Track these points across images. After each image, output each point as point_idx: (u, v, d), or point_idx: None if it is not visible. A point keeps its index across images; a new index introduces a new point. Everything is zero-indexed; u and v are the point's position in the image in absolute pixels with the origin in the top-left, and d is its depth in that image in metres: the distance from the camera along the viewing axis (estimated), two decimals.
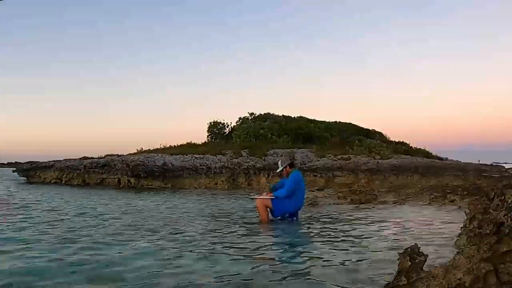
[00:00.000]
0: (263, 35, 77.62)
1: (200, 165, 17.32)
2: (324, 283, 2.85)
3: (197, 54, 73.50)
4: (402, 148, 23.60)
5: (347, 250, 3.96)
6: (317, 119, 26.26)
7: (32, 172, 18.91)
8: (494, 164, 24.32)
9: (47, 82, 67.80)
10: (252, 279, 2.97)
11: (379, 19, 77.14)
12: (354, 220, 6.24)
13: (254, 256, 3.78)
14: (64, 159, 19.05)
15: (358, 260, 3.49)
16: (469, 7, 70.07)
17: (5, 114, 57.79)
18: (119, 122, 64.84)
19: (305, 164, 17.71)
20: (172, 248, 4.12)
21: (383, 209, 7.48)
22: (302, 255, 3.98)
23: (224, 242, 4.45)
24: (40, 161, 20.00)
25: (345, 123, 26.90)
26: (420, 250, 1.94)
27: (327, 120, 26.55)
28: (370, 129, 27.37)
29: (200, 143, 23.05)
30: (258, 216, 6.32)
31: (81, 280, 2.96)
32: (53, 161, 18.98)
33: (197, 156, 18.28)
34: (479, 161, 23.37)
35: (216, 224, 5.99)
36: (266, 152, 19.02)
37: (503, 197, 1.92)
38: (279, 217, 6.31)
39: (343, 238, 4.66)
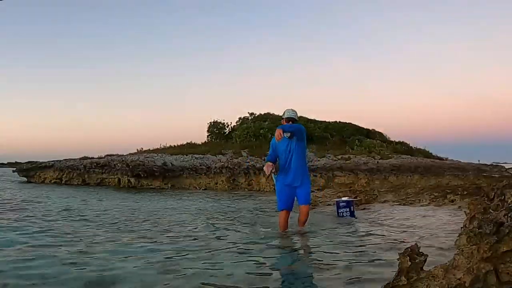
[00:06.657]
0: (263, 35, 77.73)
1: (200, 165, 17.33)
2: (324, 283, 2.85)
3: (197, 54, 73.62)
4: (402, 148, 23.61)
5: (347, 250, 3.96)
6: (317, 119, 26.27)
7: (32, 172, 18.92)
8: (494, 164, 24.33)
9: (47, 81, 67.80)
10: (252, 279, 2.97)
11: (379, 18, 77.20)
12: (354, 220, 6.24)
13: (254, 257, 3.78)
14: (64, 159, 19.07)
15: (357, 260, 3.48)
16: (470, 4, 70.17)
17: (5, 114, 57.81)
18: (119, 122, 64.85)
19: None
20: (173, 248, 4.12)
21: (383, 209, 7.47)
22: (301, 255, 3.98)
23: (225, 242, 4.45)
24: (40, 161, 20.05)
25: (345, 123, 26.86)
26: (420, 250, 1.94)
27: (327, 120, 26.56)
28: (370, 129, 27.36)
29: (200, 143, 23.07)
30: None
31: (80, 281, 2.96)
32: (53, 161, 19.00)
33: (197, 156, 18.30)
34: (479, 161, 23.41)
35: (217, 224, 5.99)
36: (266, 152, 18.99)
37: (503, 197, 1.92)
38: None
39: (342, 238, 4.65)
